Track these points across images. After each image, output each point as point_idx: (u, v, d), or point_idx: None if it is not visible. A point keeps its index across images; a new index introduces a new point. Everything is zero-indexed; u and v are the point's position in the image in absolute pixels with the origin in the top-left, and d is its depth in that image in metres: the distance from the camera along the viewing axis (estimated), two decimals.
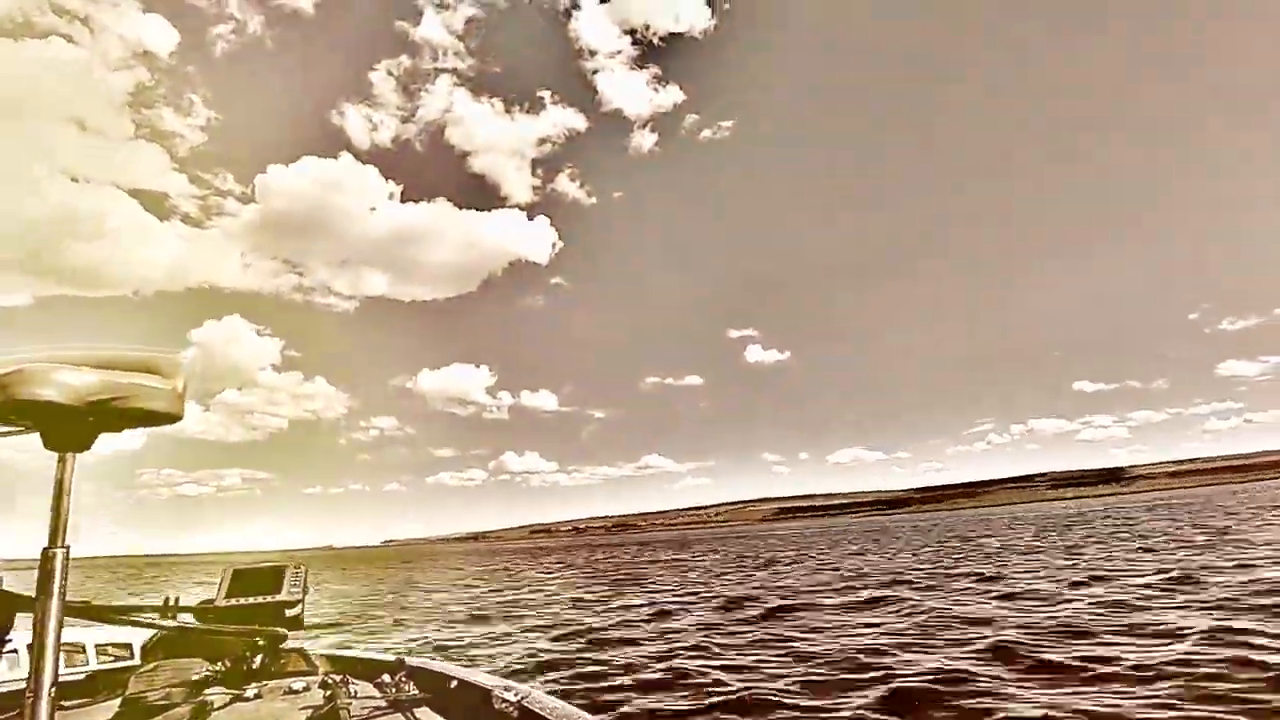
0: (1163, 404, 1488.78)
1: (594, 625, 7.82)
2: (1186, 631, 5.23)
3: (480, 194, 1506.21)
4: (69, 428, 0.83)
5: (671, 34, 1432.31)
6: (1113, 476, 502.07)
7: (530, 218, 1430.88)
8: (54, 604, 0.80)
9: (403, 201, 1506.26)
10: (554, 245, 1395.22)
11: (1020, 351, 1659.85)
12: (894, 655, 5.23)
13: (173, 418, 0.89)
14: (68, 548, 0.83)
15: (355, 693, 1.65)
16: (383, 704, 1.56)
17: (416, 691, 1.63)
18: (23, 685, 0.81)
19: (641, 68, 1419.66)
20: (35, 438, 0.84)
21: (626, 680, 4.95)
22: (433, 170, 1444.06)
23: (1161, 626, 5.55)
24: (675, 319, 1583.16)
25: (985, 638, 5.57)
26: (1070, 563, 11.49)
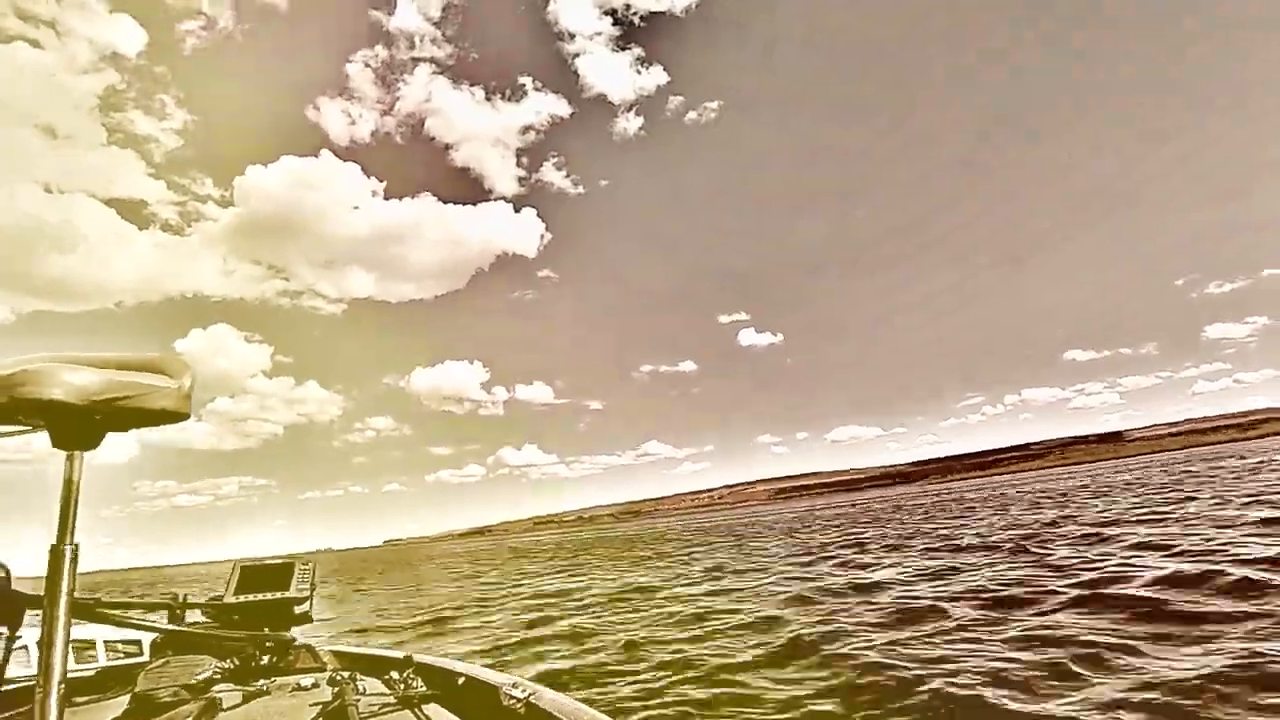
0: (1152, 369, 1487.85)
1: None
2: None
3: (464, 187, 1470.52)
4: (77, 426, 0.83)
5: (653, 13, 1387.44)
6: (1113, 440, 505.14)
7: (516, 210, 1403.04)
8: (63, 601, 0.80)
9: (386, 199, 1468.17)
10: (542, 237, 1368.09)
11: (1011, 323, 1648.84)
12: None
13: (179, 416, 0.89)
14: (76, 545, 0.83)
15: (363, 689, 1.65)
16: (391, 700, 1.55)
17: (424, 688, 1.63)
18: (33, 682, 0.81)
19: (623, 49, 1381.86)
20: (43, 436, 0.84)
21: None
22: (415, 165, 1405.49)
23: None
24: (666, 306, 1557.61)
25: None
26: None
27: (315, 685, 1.68)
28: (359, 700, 1.50)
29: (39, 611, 0.83)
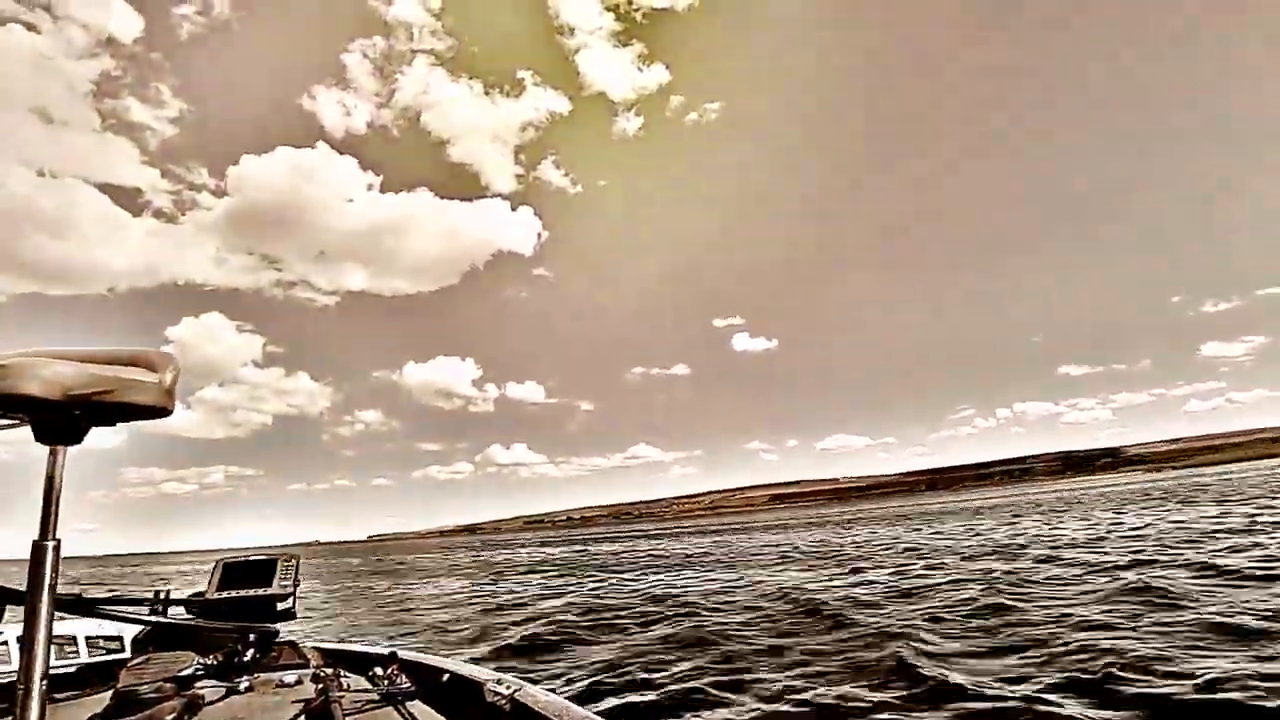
0: (1145, 386, 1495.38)
1: None
2: None
3: (461, 183, 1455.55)
4: (59, 421, 0.83)
5: (656, 9, 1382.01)
6: (1111, 456, 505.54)
7: (513, 207, 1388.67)
8: (45, 597, 0.79)
9: (382, 192, 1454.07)
10: (538, 235, 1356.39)
11: (1005, 335, 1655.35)
12: None
13: (162, 411, 0.89)
14: (59, 541, 0.83)
15: (347, 685, 1.66)
16: (375, 697, 1.57)
17: (408, 684, 1.63)
18: (13, 678, 0.80)
19: (624, 46, 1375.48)
20: (26, 431, 0.84)
21: None
22: (412, 159, 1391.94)
23: None
24: (661, 308, 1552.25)
25: None
26: None
27: (299, 682, 1.69)
28: (342, 697, 1.51)
29: (20, 608, 0.80)
